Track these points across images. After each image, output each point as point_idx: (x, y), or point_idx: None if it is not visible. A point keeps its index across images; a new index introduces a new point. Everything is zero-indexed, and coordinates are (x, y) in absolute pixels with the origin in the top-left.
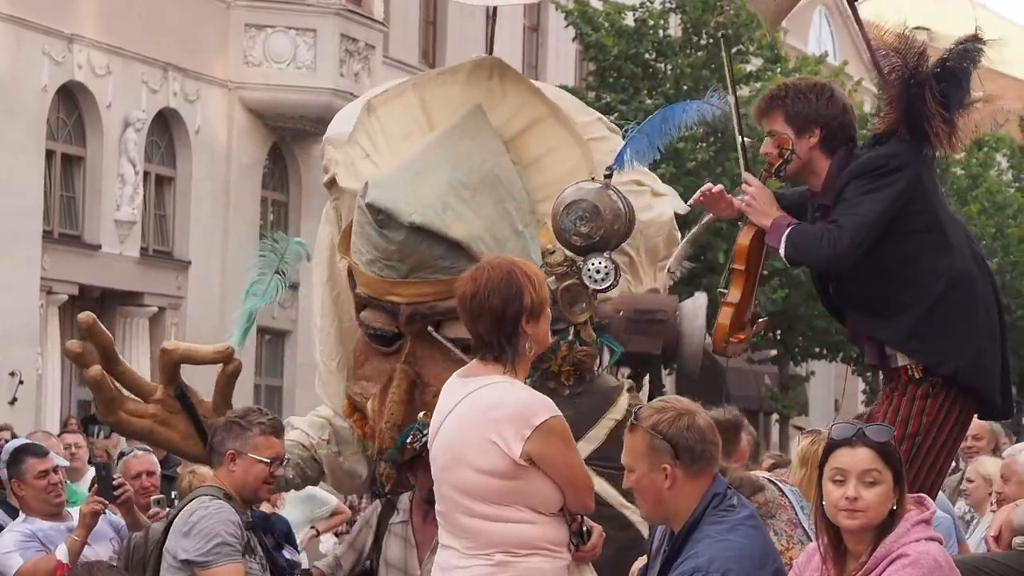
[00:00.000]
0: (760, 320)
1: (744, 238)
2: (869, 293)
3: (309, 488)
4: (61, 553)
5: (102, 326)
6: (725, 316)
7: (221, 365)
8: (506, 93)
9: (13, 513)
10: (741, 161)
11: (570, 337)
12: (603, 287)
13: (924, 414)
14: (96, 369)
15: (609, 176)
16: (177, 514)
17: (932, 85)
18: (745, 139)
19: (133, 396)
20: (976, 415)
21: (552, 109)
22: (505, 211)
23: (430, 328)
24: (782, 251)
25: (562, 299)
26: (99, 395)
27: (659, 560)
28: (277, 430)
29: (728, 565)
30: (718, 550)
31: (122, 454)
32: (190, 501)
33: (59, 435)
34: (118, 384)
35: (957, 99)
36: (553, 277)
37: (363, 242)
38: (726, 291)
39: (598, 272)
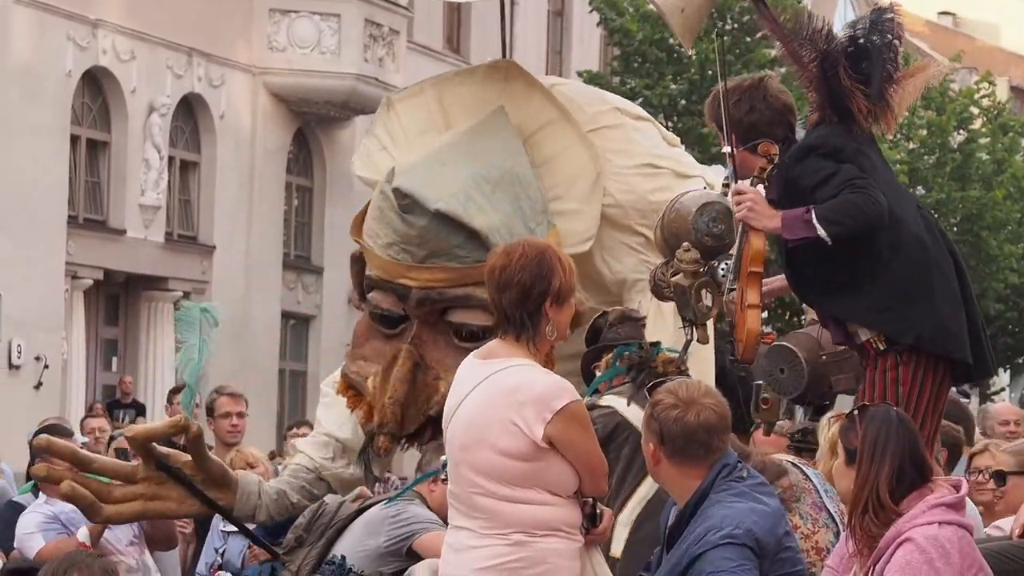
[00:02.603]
0: (773, 332)
1: (756, 242)
2: (822, 274)
3: None
4: (83, 535)
5: (58, 441)
6: (755, 321)
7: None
8: (517, 95)
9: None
10: (731, 171)
11: (690, 337)
12: (735, 287)
13: (899, 384)
14: (66, 485)
15: (728, 187)
16: (373, 505)
17: (843, 63)
18: (735, 149)
19: (119, 482)
20: (954, 379)
21: (562, 112)
22: (520, 208)
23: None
24: (821, 233)
25: (693, 297)
26: (78, 504)
27: (665, 538)
28: None
29: (741, 520)
30: (730, 511)
31: (112, 438)
32: (396, 498)
33: (83, 419)
34: (103, 476)
35: (880, 74)
36: (681, 275)
37: (381, 226)
38: (732, 292)
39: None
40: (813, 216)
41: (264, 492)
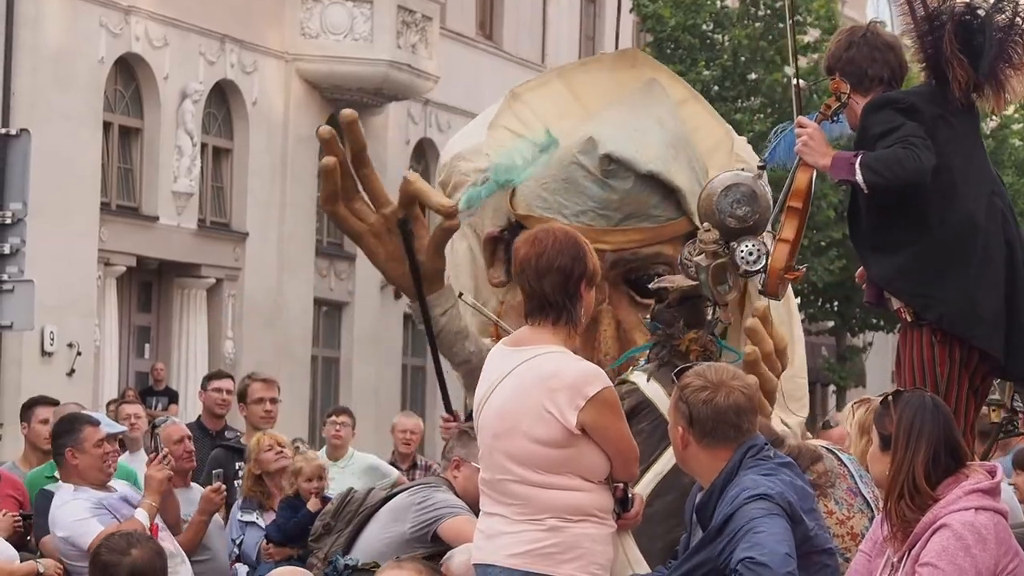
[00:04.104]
0: (803, 268)
1: (802, 178)
2: (870, 231)
3: (371, 459)
4: (142, 517)
5: (360, 129)
6: (781, 254)
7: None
8: (649, 78)
9: None
10: (795, 105)
11: (709, 317)
12: (754, 269)
13: (938, 364)
14: (331, 160)
15: (763, 168)
16: (402, 491)
17: (950, 29)
18: (801, 81)
19: (367, 200)
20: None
21: (692, 91)
22: (693, 170)
23: None
24: (859, 178)
25: (712, 277)
26: (325, 184)
27: (695, 523)
28: None
29: (772, 485)
30: (759, 478)
31: (154, 425)
32: (422, 484)
33: (119, 406)
34: (361, 186)
35: (995, 52)
36: (703, 255)
37: (571, 196)
38: (772, 232)
39: (751, 255)
40: (858, 161)
41: (456, 310)
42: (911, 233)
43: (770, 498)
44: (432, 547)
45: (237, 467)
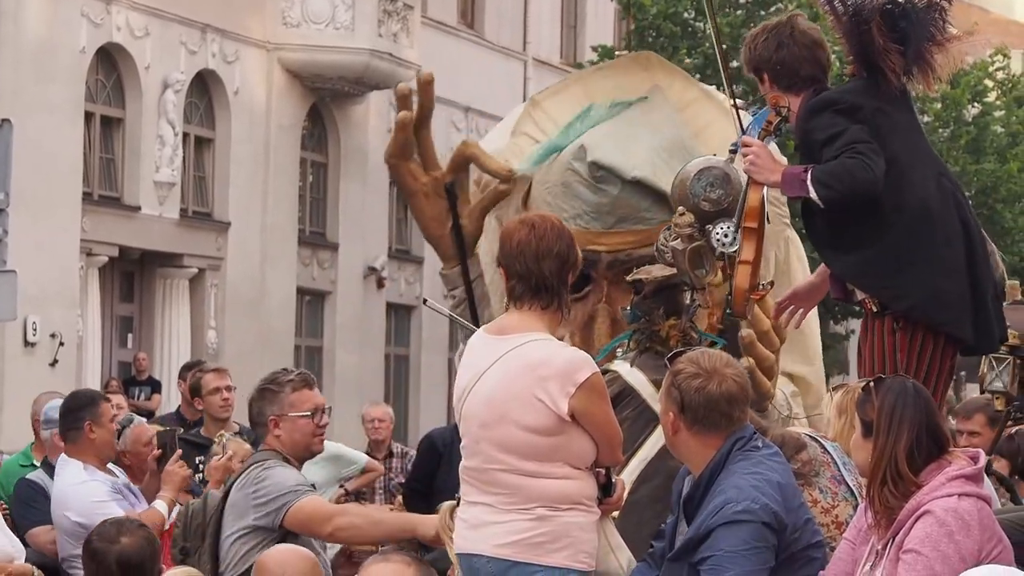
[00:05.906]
0: (770, 283)
1: (754, 197)
2: (829, 228)
3: (335, 446)
4: (162, 508)
5: (433, 92)
6: (743, 276)
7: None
8: (660, 80)
9: None
10: (736, 124)
11: (689, 302)
12: (731, 251)
13: (898, 350)
14: (407, 114)
15: (734, 151)
16: (235, 480)
17: (877, 20)
18: (738, 101)
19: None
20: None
21: (703, 90)
22: None
23: None
24: (812, 194)
25: (689, 261)
26: (396, 137)
27: (681, 508)
28: (309, 382)
29: (758, 493)
30: (747, 481)
31: (122, 426)
32: (248, 468)
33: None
34: (418, 146)
35: (920, 34)
36: (679, 239)
37: (567, 200)
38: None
39: (726, 236)
40: (808, 176)
41: (481, 279)
42: (868, 228)
43: (754, 519)
44: (284, 534)
45: (198, 461)
